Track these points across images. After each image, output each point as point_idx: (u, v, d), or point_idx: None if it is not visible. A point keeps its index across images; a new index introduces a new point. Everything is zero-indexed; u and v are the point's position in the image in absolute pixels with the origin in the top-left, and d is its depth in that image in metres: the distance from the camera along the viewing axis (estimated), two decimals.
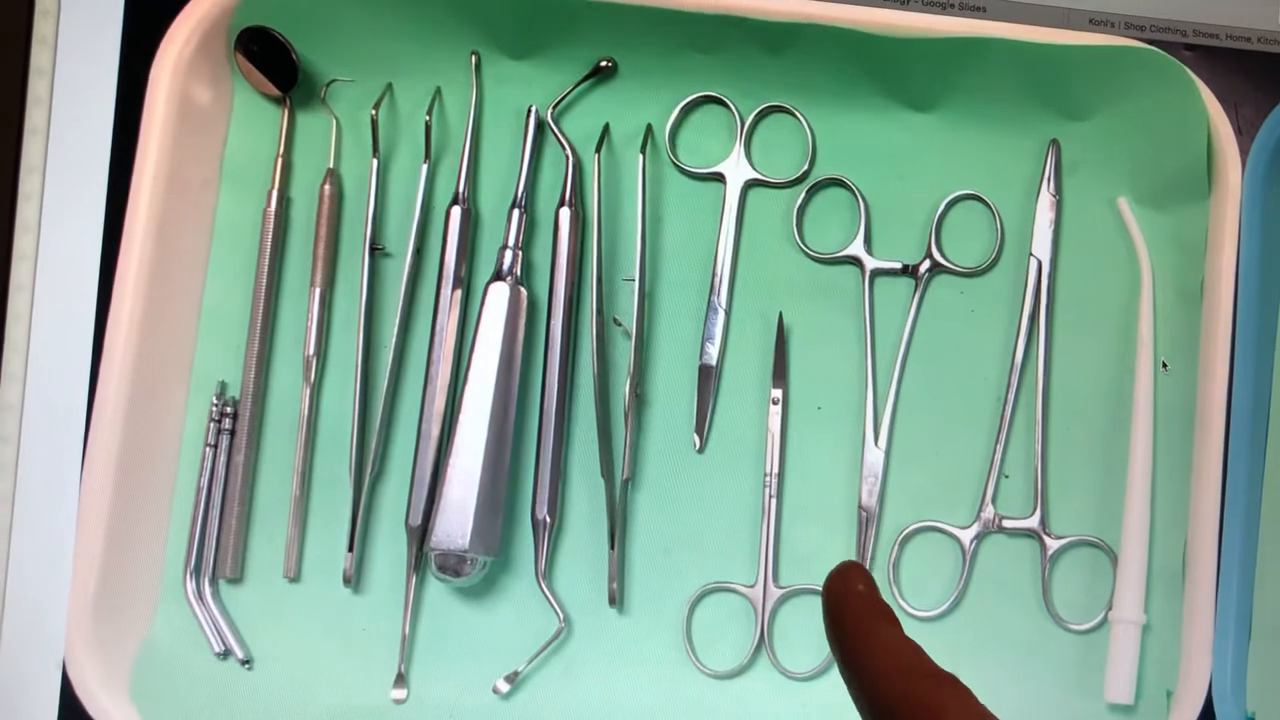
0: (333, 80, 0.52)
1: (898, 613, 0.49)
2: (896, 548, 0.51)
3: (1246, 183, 0.51)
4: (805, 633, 0.50)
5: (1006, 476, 0.52)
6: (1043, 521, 0.51)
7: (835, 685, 0.49)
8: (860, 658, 0.28)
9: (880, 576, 0.51)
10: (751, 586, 0.50)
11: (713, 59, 0.52)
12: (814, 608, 0.50)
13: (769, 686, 0.50)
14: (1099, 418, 0.52)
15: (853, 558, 0.51)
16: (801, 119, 0.53)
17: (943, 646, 0.49)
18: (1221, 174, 0.51)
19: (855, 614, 0.29)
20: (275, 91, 0.51)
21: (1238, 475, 0.50)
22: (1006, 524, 0.51)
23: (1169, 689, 0.49)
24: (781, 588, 0.50)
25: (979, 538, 0.51)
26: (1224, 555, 0.49)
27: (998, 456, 0.52)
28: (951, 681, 0.27)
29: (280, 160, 0.51)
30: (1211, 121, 0.51)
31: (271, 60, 0.50)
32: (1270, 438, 0.51)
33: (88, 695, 0.47)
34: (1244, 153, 0.51)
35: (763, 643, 0.50)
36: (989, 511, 0.51)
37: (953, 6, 0.53)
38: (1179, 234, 0.52)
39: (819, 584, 0.49)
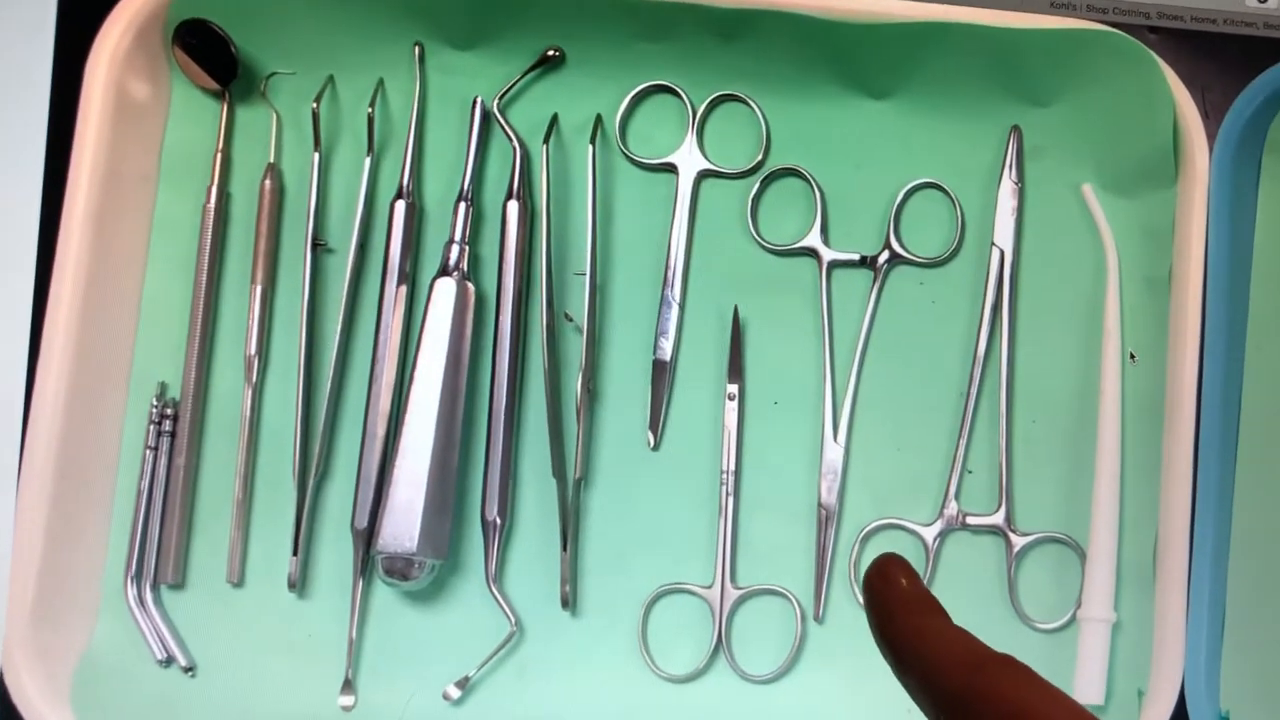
0: (273, 73, 0.52)
1: (857, 614, 0.50)
2: (858, 546, 0.51)
3: (1214, 167, 0.52)
4: (764, 634, 0.51)
5: (970, 472, 0.52)
6: (1008, 518, 0.51)
7: (795, 688, 0.50)
8: (914, 655, 0.28)
9: (841, 576, 0.51)
10: (709, 587, 0.51)
11: (663, 47, 0.52)
12: (772, 608, 0.51)
13: (728, 690, 0.50)
14: (1065, 411, 0.52)
15: (812, 556, 0.51)
16: (755, 108, 0.53)
17: None
18: (1189, 159, 0.52)
19: (901, 611, 0.29)
20: (214, 85, 0.52)
21: (1209, 468, 0.50)
22: (970, 521, 0.51)
23: (1140, 688, 0.49)
24: (740, 588, 0.51)
25: (942, 535, 0.51)
26: (1195, 550, 0.50)
27: (961, 451, 0.52)
28: (1011, 662, 0.27)
29: (220, 155, 0.52)
30: (1177, 105, 0.51)
31: (210, 53, 0.51)
32: (1242, 429, 0.52)
33: (26, 704, 0.48)
34: (1211, 137, 0.52)
35: (721, 645, 0.50)
36: (952, 508, 0.51)
37: None
38: (1146, 221, 0.53)
39: (778, 584, 0.51)
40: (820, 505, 0.51)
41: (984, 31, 0.51)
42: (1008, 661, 0.27)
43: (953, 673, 0.26)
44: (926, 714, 0.27)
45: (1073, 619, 0.50)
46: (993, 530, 0.51)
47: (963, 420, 0.52)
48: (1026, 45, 0.51)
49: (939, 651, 0.27)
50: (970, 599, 0.51)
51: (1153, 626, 0.49)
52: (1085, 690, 0.49)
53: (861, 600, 0.51)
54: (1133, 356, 0.52)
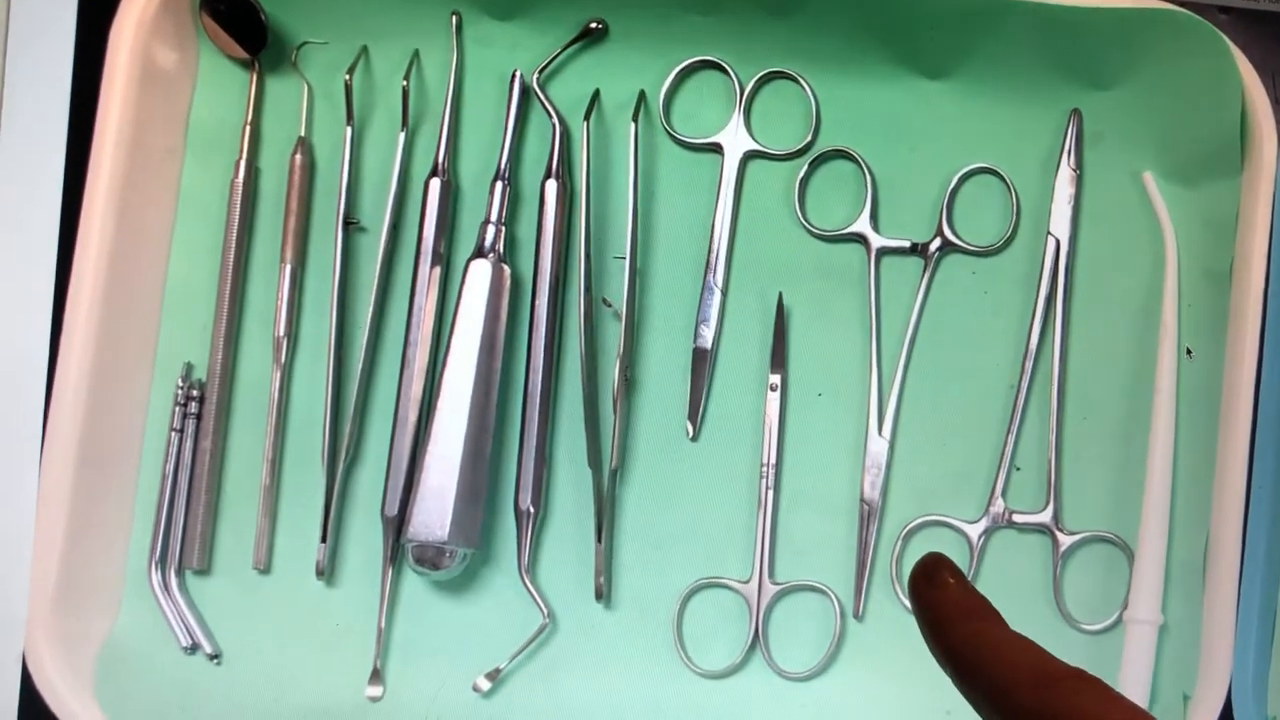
0: (304, 42, 0.51)
1: (898, 613, 0.50)
2: (900, 543, 0.51)
3: None
4: (802, 631, 0.51)
5: (1018, 469, 0.51)
6: (1055, 516, 0.51)
7: (832, 685, 0.50)
8: (977, 667, 0.27)
9: (882, 573, 0.51)
10: (746, 582, 0.50)
11: (711, 21, 0.51)
12: (811, 604, 0.51)
13: (763, 687, 0.50)
14: (1117, 407, 0.52)
15: (853, 553, 0.50)
16: (805, 86, 0.52)
17: None
18: (1256, 147, 0.50)
19: (956, 618, 0.28)
20: (243, 54, 0.51)
21: (1264, 468, 0.50)
22: (1017, 519, 0.51)
23: (1186, 692, 0.49)
24: (778, 584, 0.50)
25: (988, 533, 0.51)
26: (1247, 552, 0.49)
27: (1009, 447, 0.51)
28: (1084, 677, 0.26)
29: (248, 128, 0.51)
30: (1247, 90, 0.50)
31: (239, 21, 0.50)
32: None
33: (50, 691, 0.48)
34: None
35: (757, 641, 0.50)
36: (999, 505, 0.51)
37: None
38: (1208, 212, 0.52)
39: (817, 580, 0.50)
40: (862, 500, 0.51)
41: (1046, 10, 0.50)
42: (1080, 675, 0.26)
43: (1023, 689, 0.26)
44: None
45: (1118, 620, 0.50)
46: (1040, 529, 0.51)
47: (1012, 415, 0.51)
48: (1090, 25, 0.50)
49: (1005, 665, 0.27)
50: (1014, 599, 0.51)
51: (1200, 630, 0.49)
52: (1129, 694, 0.49)
53: (908, 603, 0.50)
54: (1189, 352, 0.51)
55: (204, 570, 0.50)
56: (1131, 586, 0.50)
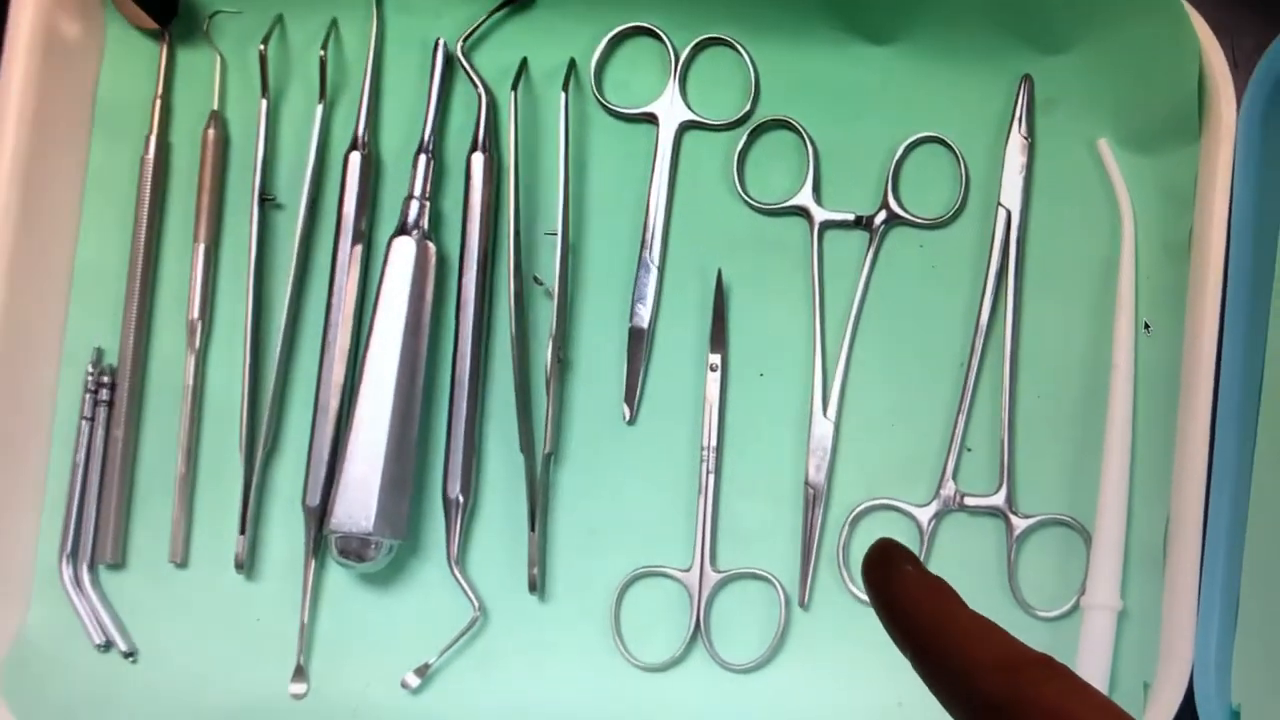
0: (216, 12, 0.51)
1: (846, 601, 0.49)
2: (847, 528, 0.50)
3: (1242, 123, 0.50)
4: (746, 621, 0.50)
5: (969, 450, 0.51)
6: (1009, 499, 0.50)
7: (778, 676, 0.50)
8: (941, 654, 0.27)
9: (828, 560, 0.50)
10: (687, 570, 0.50)
11: None
12: (755, 593, 0.50)
13: (706, 679, 0.50)
14: (1073, 385, 0.51)
15: (798, 539, 0.50)
16: (743, 52, 0.52)
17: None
18: (1214, 113, 0.50)
19: (916, 600, 0.28)
20: (152, 25, 0.50)
21: (1226, 448, 0.49)
22: (969, 502, 0.50)
23: (1146, 680, 0.49)
24: (720, 572, 0.50)
25: (938, 517, 0.50)
26: (1209, 535, 0.49)
27: (959, 428, 0.51)
28: (1050, 664, 0.26)
29: (159, 102, 0.50)
30: (1204, 54, 0.50)
31: None
32: (1262, 406, 0.50)
33: None
34: (1240, 89, 0.50)
35: (699, 632, 0.49)
36: (949, 488, 0.50)
37: None
38: (1166, 180, 0.51)
39: (760, 567, 0.50)
40: (807, 484, 0.50)
41: None
42: (1048, 663, 0.26)
43: (988, 675, 0.26)
44: (956, 716, 0.26)
45: (1076, 606, 0.50)
46: (992, 512, 0.50)
47: (962, 394, 0.51)
48: None
49: (968, 650, 0.26)
50: (967, 585, 0.47)
51: (1160, 615, 0.48)
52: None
53: (856, 590, 0.49)
54: (1147, 326, 0.51)
55: (117, 564, 0.49)
56: (1089, 571, 0.49)
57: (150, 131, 0.50)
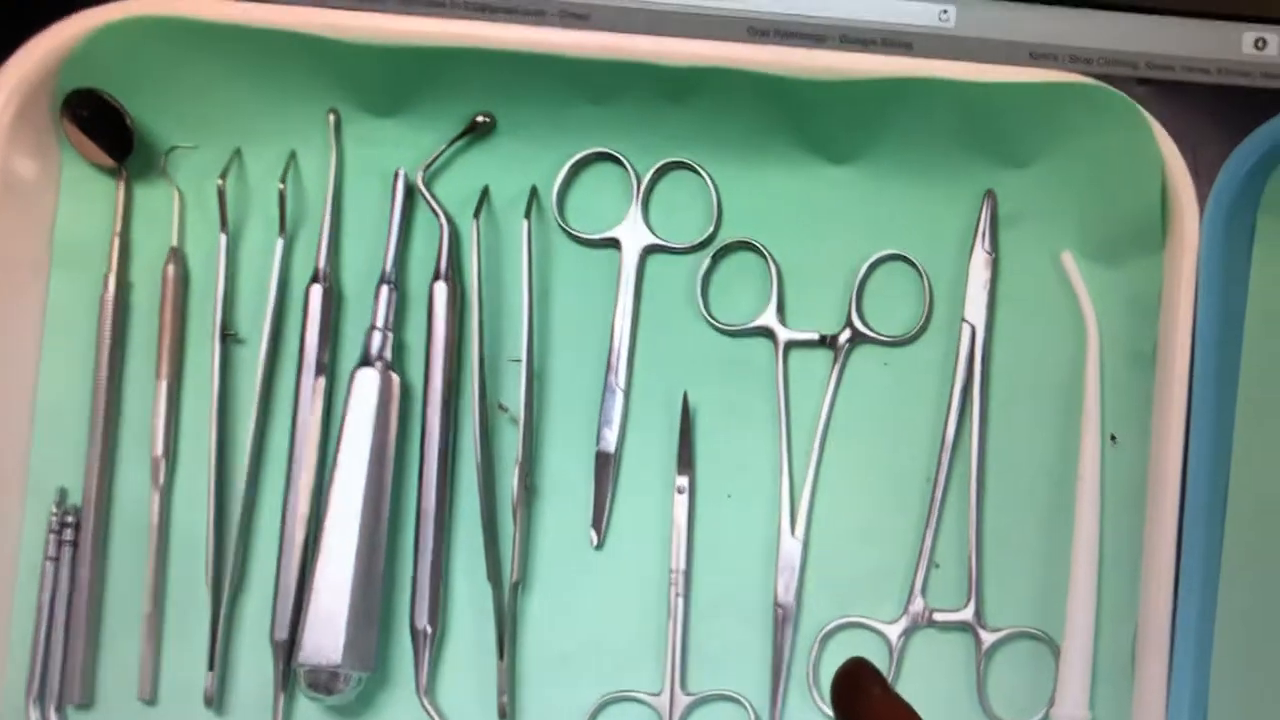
0: (173, 147, 0.51)
1: (816, 718, 0.49)
2: (817, 646, 0.51)
3: (1205, 232, 0.50)
4: None
5: (937, 566, 0.51)
6: (977, 613, 0.51)
7: None
8: None
9: (799, 679, 0.51)
10: (658, 695, 0.50)
11: (604, 110, 0.51)
12: (726, 715, 0.51)
13: None
14: (1040, 498, 0.52)
15: (768, 659, 0.50)
16: (705, 175, 0.52)
17: None
18: (1177, 223, 0.50)
19: None
20: (109, 161, 0.50)
21: (1193, 560, 0.49)
22: (938, 617, 0.51)
23: None
24: (690, 694, 0.50)
25: (908, 633, 0.51)
26: (1177, 645, 0.49)
27: (927, 544, 0.51)
28: None
29: (117, 239, 0.50)
30: (1166, 164, 0.50)
31: (103, 126, 0.49)
32: (1229, 518, 0.51)
33: None
34: (1202, 198, 0.51)
35: None
36: (918, 604, 0.51)
37: (874, 44, 0.51)
38: (1130, 291, 0.52)
39: (731, 689, 0.50)
40: (777, 604, 0.51)
41: (956, 87, 0.50)
42: None
43: None
44: None
45: (1045, 718, 0.50)
46: (961, 626, 0.51)
47: (930, 510, 0.51)
48: (1003, 101, 0.50)
49: None
50: (937, 700, 0.51)
51: None
52: None
53: (827, 709, 0.50)
54: (1113, 438, 0.51)
55: (86, 704, 0.49)
56: (1058, 683, 0.50)
57: (109, 269, 0.50)
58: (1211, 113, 0.51)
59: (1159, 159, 0.50)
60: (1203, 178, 0.50)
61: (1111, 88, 0.50)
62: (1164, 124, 0.50)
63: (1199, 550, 0.49)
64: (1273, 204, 0.51)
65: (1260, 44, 0.52)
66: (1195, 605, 0.49)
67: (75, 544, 0.49)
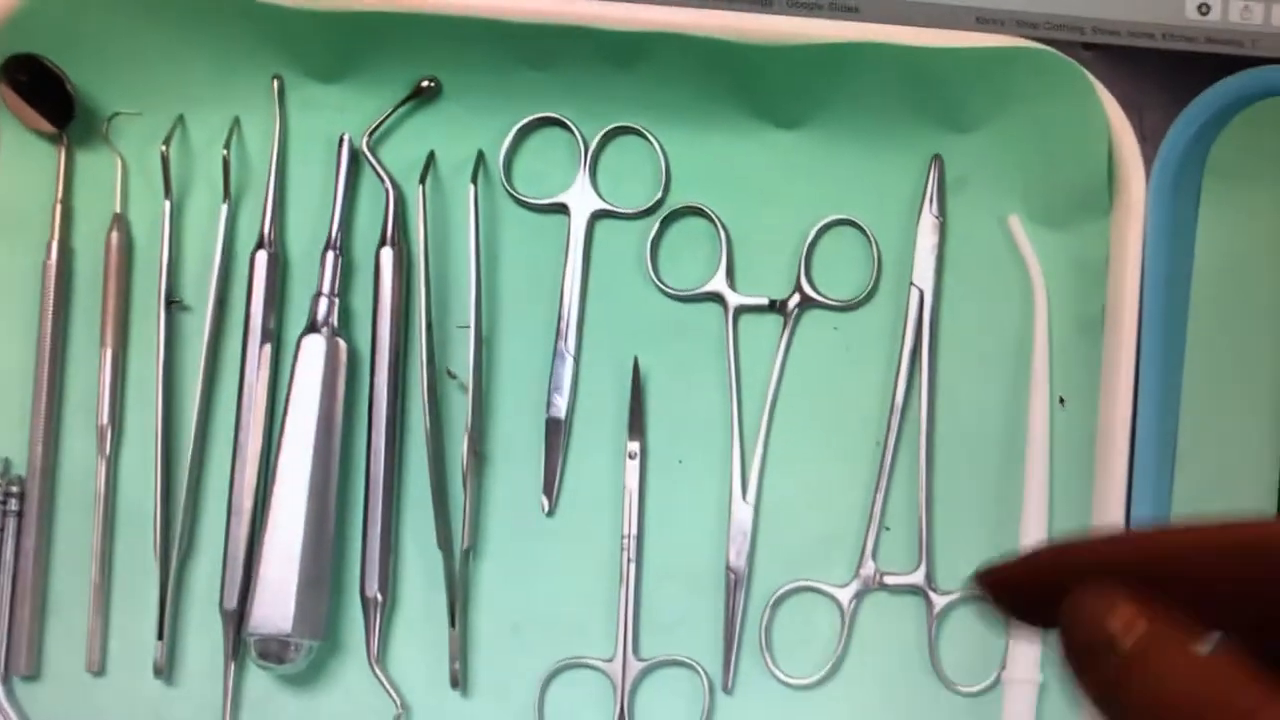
0: (115, 113, 0.51)
1: (769, 684, 0.50)
2: (769, 611, 0.51)
3: (1151, 195, 0.51)
4: (670, 709, 0.50)
5: (888, 529, 0.52)
6: (928, 576, 0.51)
7: None
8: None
9: (751, 644, 0.51)
10: (610, 660, 0.50)
11: (551, 75, 0.51)
12: (678, 680, 0.51)
13: None
14: (989, 461, 0.52)
15: (720, 624, 0.50)
16: (653, 141, 0.52)
17: (823, 717, 0.49)
18: (1124, 186, 0.51)
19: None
20: (50, 128, 0.50)
21: (1141, 521, 0.49)
22: (889, 580, 0.51)
23: None
24: (643, 660, 0.50)
25: (859, 596, 0.51)
26: None
27: (878, 507, 0.51)
28: None
29: (59, 206, 0.50)
30: (1112, 128, 0.50)
31: (43, 92, 0.49)
32: (1177, 480, 0.51)
33: None
34: (1148, 162, 0.51)
35: None
36: (869, 568, 0.51)
37: (821, 8, 0.52)
38: (1077, 255, 0.52)
39: (684, 654, 0.50)
40: (728, 569, 0.51)
41: (902, 52, 0.50)
42: None
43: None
44: None
45: (997, 681, 0.50)
46: (912, 589, 0.51)
47: (879, 474, 0.51)
48: (949, 66, 0.50)
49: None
50: (889, 663, 0.51)
51: None
52: None
53: (778, 672, 0.50)
54: (1062, 401, 0.52)
55: (32, 675, 0.49)
56: (1009, 645, 0.50)
57: (52, 237, 0.50)
58: (1157, 77, 0.52)
59: (1105, 123, 0.50)
60: (1148, 142, 0.51)
61: (1057, 52, 0.50)
62: (1110, 88, 0.50)
63: (1147, 511, 0.49)
64: (1218, 167, 0.52)
65: (1204, 9, 0.53)
66: None
67: (20, 514, 0.49)
